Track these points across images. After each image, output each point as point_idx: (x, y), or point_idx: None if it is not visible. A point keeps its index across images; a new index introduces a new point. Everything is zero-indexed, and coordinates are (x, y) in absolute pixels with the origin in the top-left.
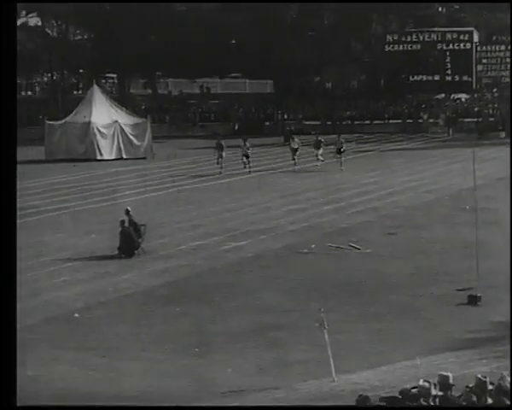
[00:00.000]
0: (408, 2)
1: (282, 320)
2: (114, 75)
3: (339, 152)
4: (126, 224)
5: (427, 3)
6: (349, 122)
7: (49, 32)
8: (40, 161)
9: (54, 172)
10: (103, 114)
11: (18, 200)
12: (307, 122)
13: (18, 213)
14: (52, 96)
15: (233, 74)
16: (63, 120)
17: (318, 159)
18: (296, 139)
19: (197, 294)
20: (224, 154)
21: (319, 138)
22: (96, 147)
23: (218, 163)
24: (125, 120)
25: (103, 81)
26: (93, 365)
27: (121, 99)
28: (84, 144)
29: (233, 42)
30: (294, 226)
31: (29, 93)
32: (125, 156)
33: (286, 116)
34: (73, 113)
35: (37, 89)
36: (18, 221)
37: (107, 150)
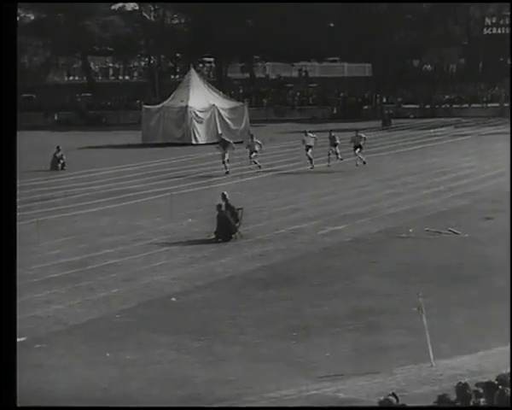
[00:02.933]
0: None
1: (381, 304)
2: (212, 59)
3: (357, 148)
4: (223, 208)
5: None
6: (447, 106)
7: (147, 16)
8: (137, 145)
9: (151, 157)
10: (200, 98)
11: (117, 183)
12: (406, 106)
13: (118, 196)
14: (149, 80)
15: (331, 58)
16: (160, 105)
17: (337, 157)
18: (310, 134)
19: (295, 278)
20: (227, 153)
21: (333, 134)
22: (192, 131)
23: (223, 162)
24: (222, 104)
25: (200, 65)
26: (190, 349)
27: (218, 83)
28: (181, 129)
29: (331, 25)
30: (392, 210)
31: (126, 78)
32: None
33: (384, 100)
34: (170, 97)
35: (135, 73)
36: (118, 205)
37: (203, 135)
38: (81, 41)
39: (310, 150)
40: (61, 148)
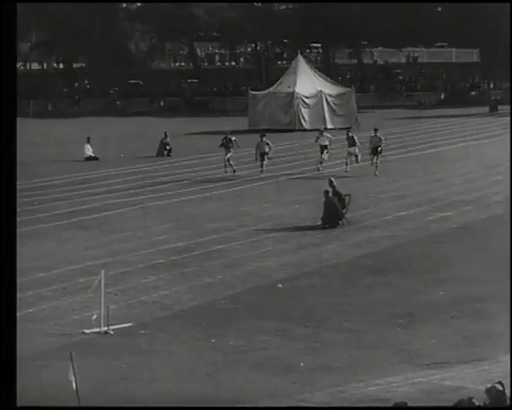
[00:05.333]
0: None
1: (487, 291)
2: (319, 45)
3: (375, 152)
4: (330, 194)
5: None
6: None
7: (254, 2)
8: (244, 131)
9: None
10: (307, 84)
11: (224, 169)
12: None
13: (223, 182)
14: (256, 66)
15: (439, 43)
16: (267, 91)
17: (356, 160)
18: (325, 134)
19: (401, 264)
20: (230, 153)
21: (351, 134)
22: (299, 117)
23: (225, 166)
24: (329, 89)
25: (308, 51)
26: (296, 335)
27: (326, 69)
28: (287, 114)
29: (439, 10)
30: (499, 197)
31: (233, 63)
32: (329, 126)
33: (492, 85)
34: (277, 83)
35: (241, 59)
36: (224, 191)
37: (310, 120)
38: (187, 27)
39: (325, 151)
40: (168, 134)
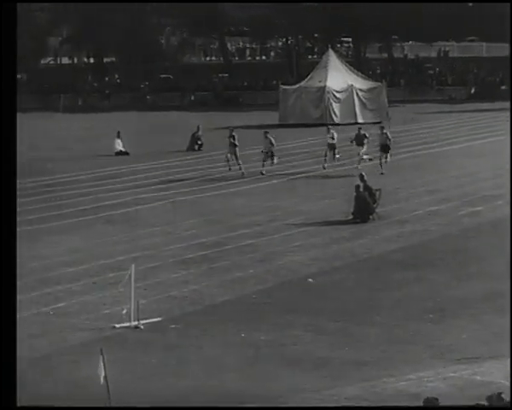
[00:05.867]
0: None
1: None
2: (350, 39)
3: (384, 149)
4: (361, 189)
5: None
6: None
7: None
8: (274, 126)
9: (288, 137)
10: (338, 78)
11: (253, 164)
12: None
13: (253, 177)
14: (286, 60)
15: (470, 38)
16: (298, 85)
17: (362, 158)
18: (332, 131)
19: (432, 259)
20: (237, 150)
21: (362, 132)
22: (330, 111)
23: (227, 160)
24: (359, 84)
25: (338, 45)
26: (327, 330)
27: (356, 63)
28: (318, 109)
29: (470, 5)
30: None
31: (263, 58)
32: (359, 120)
33: None
34: (308, 77)
35: (272, 54)
36: (254, 185)
37: (341, 115)
38: (218, 21)
39: (336, 150)
40: (200, 127)
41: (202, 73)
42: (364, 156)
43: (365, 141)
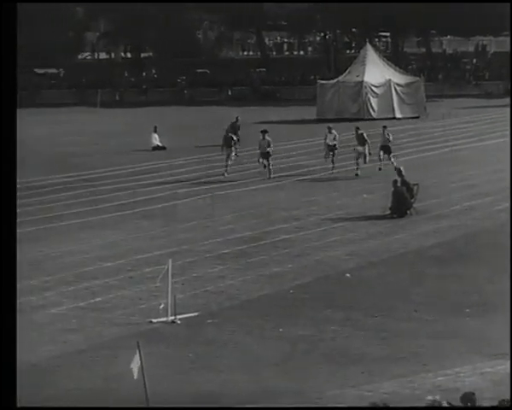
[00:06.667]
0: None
1: None
2: (388, 34)
3: (385, 150)
4: (399, 184)
5: None
6: None
7: None
8: (312, 121)
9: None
10: (376, 73)
11: (292, 159)
12: None
13: (292, 172)
14: (324, 55)
15: (507, 32)
16: (335, 80)
17: (365, 161)
18: (334, 131)
19: (469, 254)
20: (233, 153)
21: (360, 132)
22: (368, 106)
23: (226, 166)
24: (397, 79)
25: (376, 40)
26: (364, 325)
27: (394, 58)
28: (356, 104)
29: None
30: None
31: (301, 53)
32: (397, 115)
33: None
34: (346, 72)
35: (309, 48)
36: (291, 180)
37: (379, 110)
38: (256, 16)
39: (335, 152)
40: (239, 118)
41: (240, 67)
42: (367, 157)
43: (365, 141)
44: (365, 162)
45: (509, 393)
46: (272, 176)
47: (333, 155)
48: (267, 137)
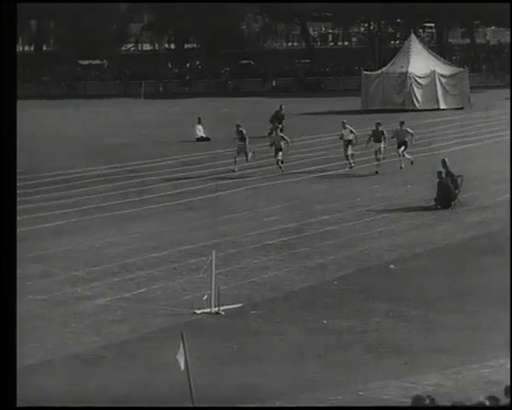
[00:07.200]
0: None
1: None
2: (432, 25)
3: (401, 146)
4: (444, 175)
5: None
6: None
7: None
8: (356, 112)
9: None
10: (421, 64)
11: (335, 150)
12: None
13: (334, 163)
14: (369, 46)
15: None
16: (380, 71)
17: (377, 158)
18: (348, 126)
19: None
20: (247, 147)
21: (381, 129)
22: (412, 97)
23: (235, 162)
24: (442, 69)
25: (421, 31)
26: (408, 316)
27: (438, 49)
28: (401, 94)
29: None
30: None
31: (345, 43)
32: (442, 107)
33: None
34: (391, 63)
35: (354, 39)
36: (334, 172)
37: (424, 100)
38: (300, 7)
39: (350, 147)
40: (283, 107)
41: (284, 58)
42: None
43: (382, 138)
44: (377, 159)
45: None
46: (284, 172)
47: (349, 151)
48: (280, 133)
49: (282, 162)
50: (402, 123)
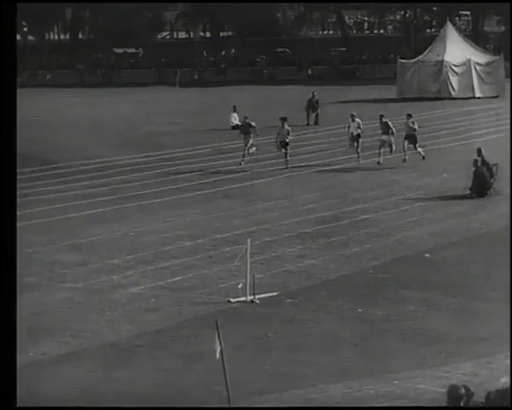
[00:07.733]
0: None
1: None
2: (468, 12)
3: (412, 140)
4: (479, 164)
5: None
6: None
7: None
8: (392, 100)
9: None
10: (456, 52)
11: (371, 138)
12: None
13: (371, 151)
14: (404, 34)
15: None
16: (416, 59)
17: (391, 151)
18: (357, 119)
19: None
20: (250, 140)
21: (384, 120)
22: (448, 85)
23: (244, 156)
24: (478, 58)
25: (457, 19)
26: (444, 305)
27: (474, 36)
28: (436, 83)
29: None
30: None
31: (381, 31)
32: (477, 95)
33: None
34: (426, 51)
35: (389, 27)
36: (371, 160)
37: (459, 89)
38: None
39: (359, 141)
40: (315, 93)
41: (319, 46)
42: (393, 146)
43: (389, 130)
44: (391, 152)
45: None
46: (290, 166)
47: (357, 145)
48: (286, 126)
49: (288, 156)
50: (409, 116)
